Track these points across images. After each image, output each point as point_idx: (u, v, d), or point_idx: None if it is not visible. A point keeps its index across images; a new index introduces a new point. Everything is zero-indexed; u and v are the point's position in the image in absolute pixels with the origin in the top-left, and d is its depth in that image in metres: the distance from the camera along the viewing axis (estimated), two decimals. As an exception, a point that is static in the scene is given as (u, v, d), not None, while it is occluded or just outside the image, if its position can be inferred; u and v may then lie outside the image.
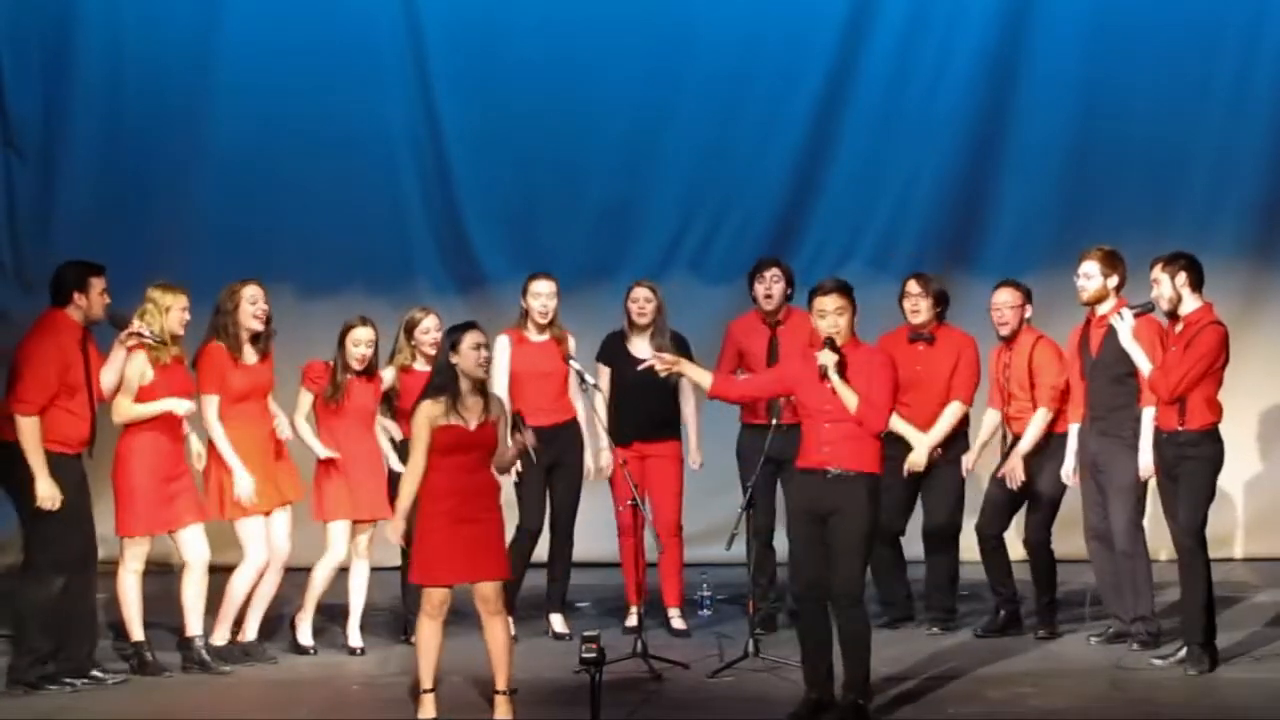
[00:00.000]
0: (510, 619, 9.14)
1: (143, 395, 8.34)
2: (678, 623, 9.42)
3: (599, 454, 9.35)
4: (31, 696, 8.01)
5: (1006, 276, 9.47)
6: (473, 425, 7.33)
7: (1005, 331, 9.21)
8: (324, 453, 8.86)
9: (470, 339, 7.36)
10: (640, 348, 9.36)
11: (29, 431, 7.94)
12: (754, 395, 8.13)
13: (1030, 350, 9.13)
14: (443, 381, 7.35)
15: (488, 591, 7.39)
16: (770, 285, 9.46)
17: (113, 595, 8.54)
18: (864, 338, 7.78)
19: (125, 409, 8.33)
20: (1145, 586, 8.71)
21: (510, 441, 7.51)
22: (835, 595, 7.43)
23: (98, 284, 8.17)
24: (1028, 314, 9.24)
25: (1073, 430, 8.92)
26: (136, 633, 8.47)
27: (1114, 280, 8.75)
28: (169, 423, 8.39)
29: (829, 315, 7.51)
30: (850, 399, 7.39)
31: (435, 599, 7.38)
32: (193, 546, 8.49)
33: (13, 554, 11.77)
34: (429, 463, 7.32)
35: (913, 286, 9.37)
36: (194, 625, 8.53)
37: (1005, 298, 9.21)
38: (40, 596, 8.05)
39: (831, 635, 7.50)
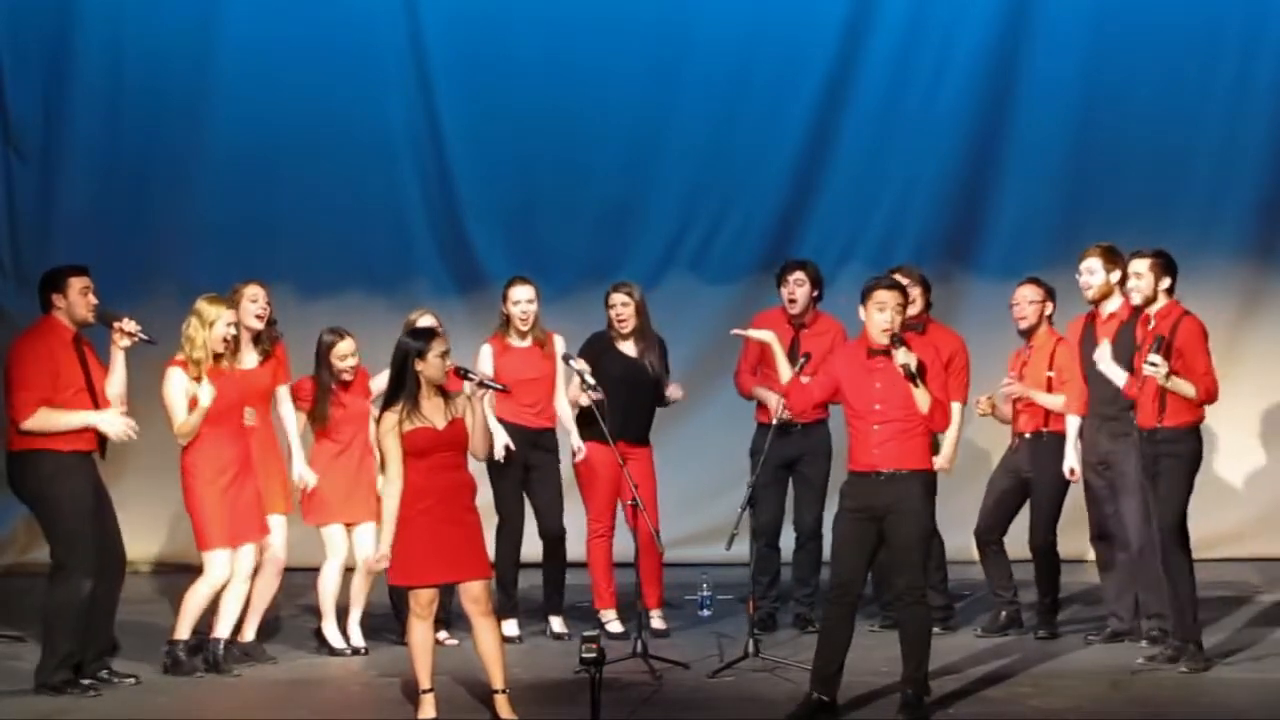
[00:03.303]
0: (514, 619, 9.22)
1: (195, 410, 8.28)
2: (658, 623, 9.38)
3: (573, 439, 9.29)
4: (37, 697, 7.99)
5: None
6: (441, 425, 7.33)
7: (1023, 326, 9.18)
8: (308, 477, 8.87)
9: (437, 348, 7.38)
10: (628, 348, 9.35)
11: (43, 423, 7.92)
12: (820, 400, 7.94)
13: (1051, 352, 9.10)
14: (400, 389, 7.35)
15: (477, 592, 7.38)
16: (794, 289, 9.40)
17: (179, 597, 8.53)
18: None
19: (180, 427, 8.28)
20: (1157, 584, 8.65)
21: (475, 408, 7.47)
22: (899, 593, 7.50)
23: (76, 284, 8.12)
24: (1048, 311, 9.21)
25: (1073, 424, 8.90)
26: (182, 631, 8.46)
27: (1116, 275, 8.72)
28: (228, 433, 8.34)
29: (888, 310, 7.46)
30: (924, 400, 7.37)
31: (423, 600, 7.37)
32: (242, 558, 8.44)
33: (11, 554, 11.85)
34: (405, 465, 7.33)
35: (900, 277, 9.34)
36: (221, 628, 8.51)
37: (1027, 293, 9.19)
38: (66, 598, 8.03)
39: (850, 638, 7.54)
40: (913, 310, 9.22)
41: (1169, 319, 8.19)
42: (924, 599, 7.49)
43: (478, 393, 7.50)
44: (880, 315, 7.47)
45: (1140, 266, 8.29)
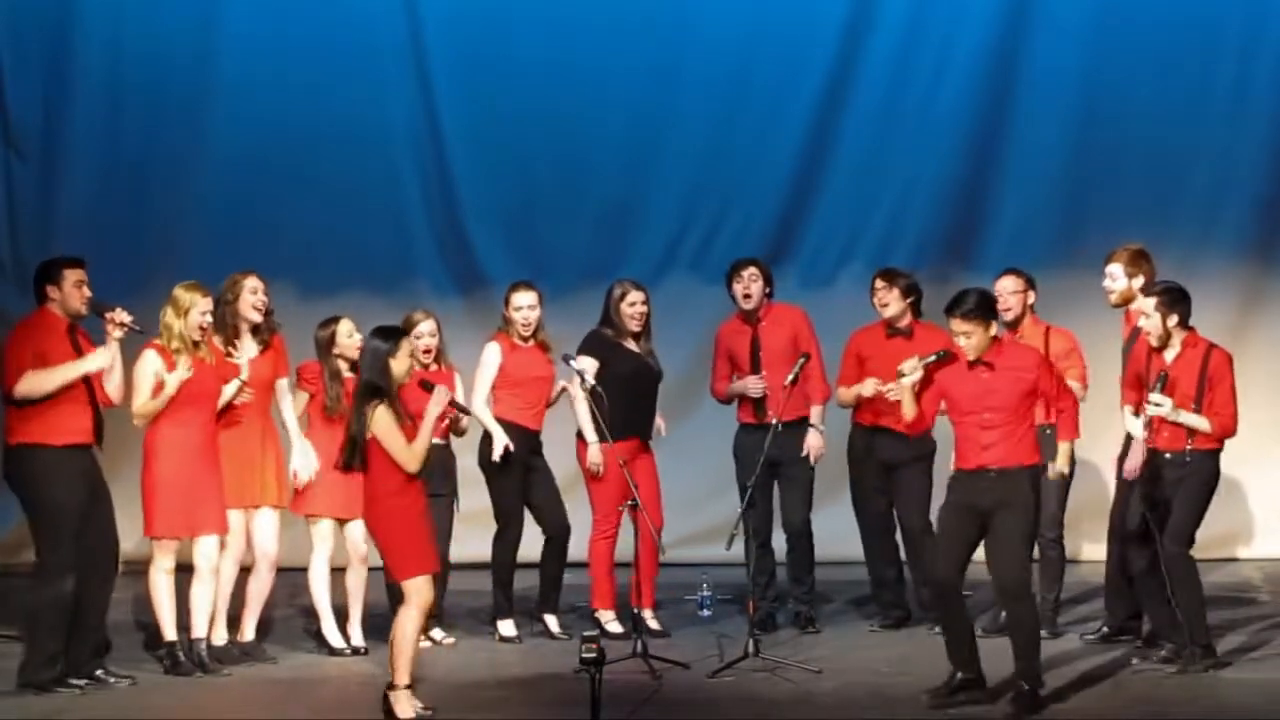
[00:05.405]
0: (510, 620, 9.22)
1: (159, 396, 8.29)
2: (653, 623, 9.34)
3: (592, 448, 9.26)
4: (35, 697, 7.99)
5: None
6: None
7: (1009, 318, 9.18)
8: (303, 473, 8.82)
9: (405, 348, 7.44)
10: (634, 346, 9.34)
11: (31, 385, 7.93)
12: (934, 413, 8.03)
13: (1044, 340, 9.10)
14: (379, 386, 7.36)
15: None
16: (748, 285, 9.44)
17: (144, 595, 8.54)
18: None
19: (139, 407, 8.31)
20: (1159, 590, 8.59)
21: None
22: (1002, 587, 7.66)
23: (71, 276, 8.13)
24: (1030, 300, 9.22)
25: (1135, 419, 8.58)
26: (169, 633, 8.43)
27: (1139, 280, 8.69)
28: (197, 422, 8.35)
29: (958, 337, 7.68)
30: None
31: (425, 591, 7.42)
32: (204, 551, 8.44)
33: (10, 553, 11.85)
34: (390, 462, 7.35)
35: (878, 282, 9.40)
36: (199, 627, 8.51)
37: (1008, 284, 9.21)
38: (49, 596, 8.02)
39: (969, 623, 7.76)
40: (890, 313, 9.25)
41: (1197, 351, 8.16)
42: (1027, 595, 7.63)
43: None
44: (965, 341, 7.65)
45: (1147, 305, 8.23)
